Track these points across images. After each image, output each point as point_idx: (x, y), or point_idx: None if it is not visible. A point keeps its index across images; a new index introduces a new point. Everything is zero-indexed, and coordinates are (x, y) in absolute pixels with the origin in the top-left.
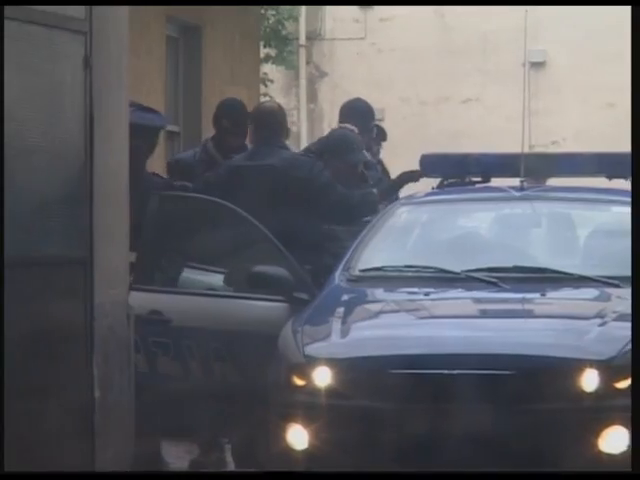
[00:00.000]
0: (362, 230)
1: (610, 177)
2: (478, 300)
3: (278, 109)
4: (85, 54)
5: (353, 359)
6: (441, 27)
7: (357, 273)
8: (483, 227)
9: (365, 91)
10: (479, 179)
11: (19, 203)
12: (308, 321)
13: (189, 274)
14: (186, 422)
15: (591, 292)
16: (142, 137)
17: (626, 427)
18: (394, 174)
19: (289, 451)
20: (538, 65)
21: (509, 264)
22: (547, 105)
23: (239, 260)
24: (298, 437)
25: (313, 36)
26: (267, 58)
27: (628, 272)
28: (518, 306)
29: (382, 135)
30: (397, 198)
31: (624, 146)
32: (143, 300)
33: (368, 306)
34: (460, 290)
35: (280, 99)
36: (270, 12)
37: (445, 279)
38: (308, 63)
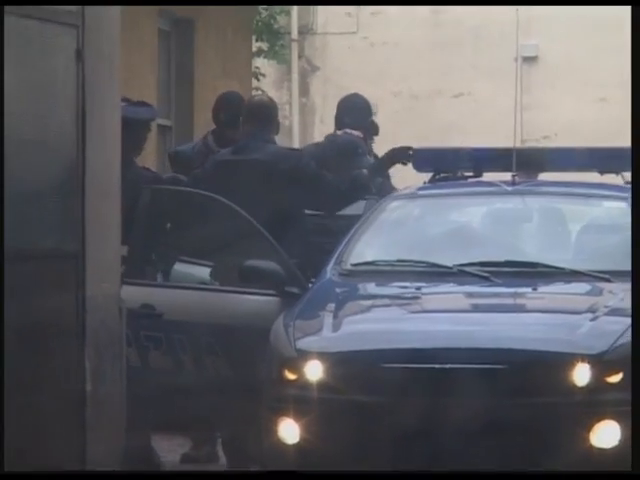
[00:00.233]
0: (354, 224)
1: (602, 172)
2: (470, 294)
3: (269, 102)
4: (77, 47)
5: (344, 353)
6: (433, 21)
7: (349, 267)
8: (475, 222)
9: (357, 85)
10: (471, 173)
11: (11, 196)
12: (300, 315)
13: (181, 268)
14: (178, 416)
15: (583, 287)
16: (132, 130)
17: (617, 421)
18: None
19: (281, 445)
20: (530, 60)
21: (501, 258)
22: (539, 100)
23: (231, 254)
24: (290, 431)
25: (305, 30)
26: (259, 52)
27: (619, 267)
28: (510, 300)
29: (374, 129)
30: (388, 177)
31: (616, 141)
32: (135, 294)
33: (360, 300)
34: (452, 284)
35: (272, 93)
36: (262, 6)
37: (437, 273)
38: (300, 57)
